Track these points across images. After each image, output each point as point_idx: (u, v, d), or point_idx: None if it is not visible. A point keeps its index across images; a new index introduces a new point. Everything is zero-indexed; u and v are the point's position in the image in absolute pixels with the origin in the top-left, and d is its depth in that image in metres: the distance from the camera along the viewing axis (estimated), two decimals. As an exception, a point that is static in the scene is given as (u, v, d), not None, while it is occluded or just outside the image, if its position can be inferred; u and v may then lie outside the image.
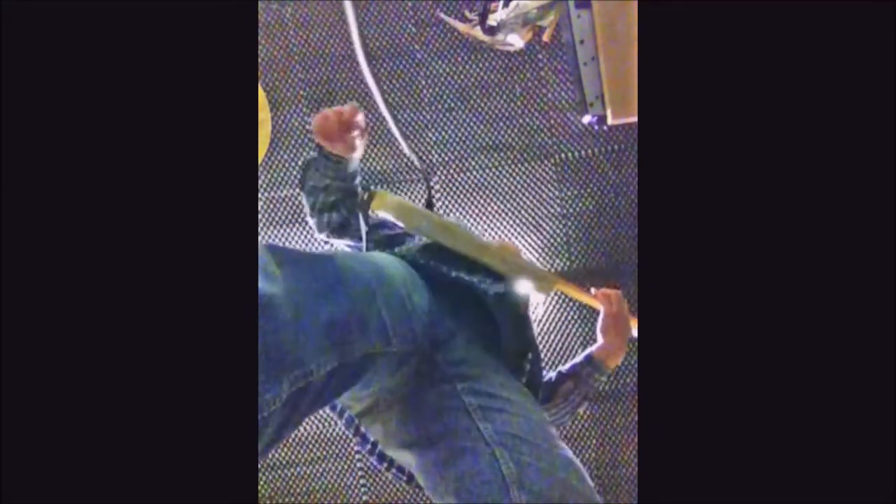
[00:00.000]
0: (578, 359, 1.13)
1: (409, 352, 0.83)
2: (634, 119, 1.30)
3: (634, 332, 1.14)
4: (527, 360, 0.97)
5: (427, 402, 0.85)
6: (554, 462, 0.80)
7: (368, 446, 0.95)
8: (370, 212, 1.01)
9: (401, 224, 0.98)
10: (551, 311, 1.82)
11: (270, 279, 0.65)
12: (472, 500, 0.77)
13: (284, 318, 0.62)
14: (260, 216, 1.86)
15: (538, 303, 1.78)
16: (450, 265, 0.95)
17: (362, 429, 0.94)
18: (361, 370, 0.75)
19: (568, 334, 1.83)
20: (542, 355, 1.25)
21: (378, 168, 1.84)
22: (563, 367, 1.14)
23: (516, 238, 1.84)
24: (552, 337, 1.82)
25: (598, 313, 1.15)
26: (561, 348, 1.82)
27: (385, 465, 0.95)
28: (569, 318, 1.82)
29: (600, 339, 1.12)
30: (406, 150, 1.12)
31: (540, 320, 1.81)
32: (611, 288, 1.17)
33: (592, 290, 1.14)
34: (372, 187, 1.01)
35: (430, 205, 1.09)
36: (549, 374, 1.14)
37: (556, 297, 1.81)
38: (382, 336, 0.77)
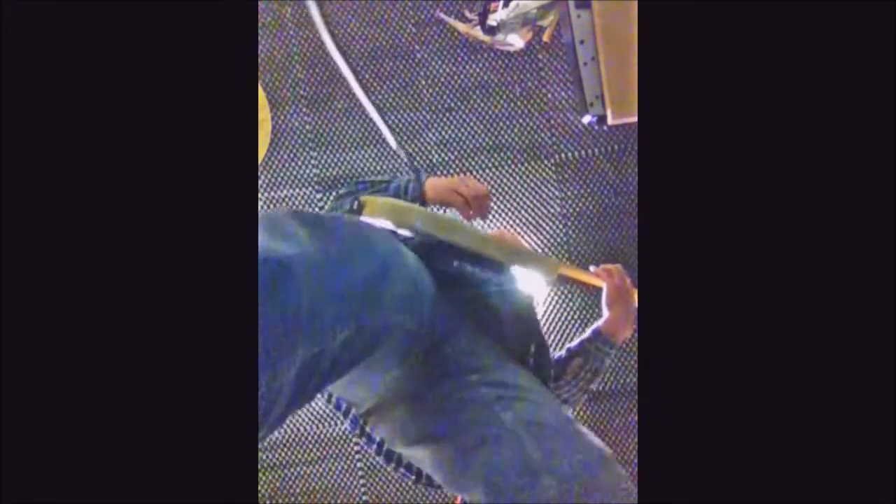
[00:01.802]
0: (586, 334, 1.13)
1: (417, 335, 0.82)
2: (634, 119, 1.30)
3: (636, 304, 1.14)
4: (530, 354, 0.97)
5: (437, 398, 0.84)
6: (579, 446, 0.80)
7: (375, 446, 0.95)
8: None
9: (397, 226, 0.97)
10: (551, 311, 1.82)
11: (294, 242, 0.64)
12: (501, 488, 0.75)
13: (304, 282, 0.62)
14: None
15: (538, 302, 1.78)
16: (452, 258, 0.95)
17: (367, 428, 0.94)
18: (374, 344, 0.75)
19: (567, 334, 1.83)
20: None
21: (369, 170, 1.84)
22: (571, 344, 1.14)
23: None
24: (551, 337, 1.82)
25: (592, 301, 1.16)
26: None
27: (392, 464, 0.95)
28: (568, 317, 1.82)
29: (606, 313, 1.13)
30: (394, 146, 1.12)
31: (540, 319, 1.81)
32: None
33: (592, 267, 1.15)
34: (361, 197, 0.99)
35: (424, 202, 1.08)
36: (559, 353, 1.14)
37: (555, 296, 1.81)
38: (396, 311, 0.77)
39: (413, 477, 0.94)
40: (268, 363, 0.57)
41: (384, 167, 1.84)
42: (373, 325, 0.72)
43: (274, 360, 0.58)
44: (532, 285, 1.08)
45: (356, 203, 0.97)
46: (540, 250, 1.83)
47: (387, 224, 0.96)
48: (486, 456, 0.78)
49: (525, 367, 0.95)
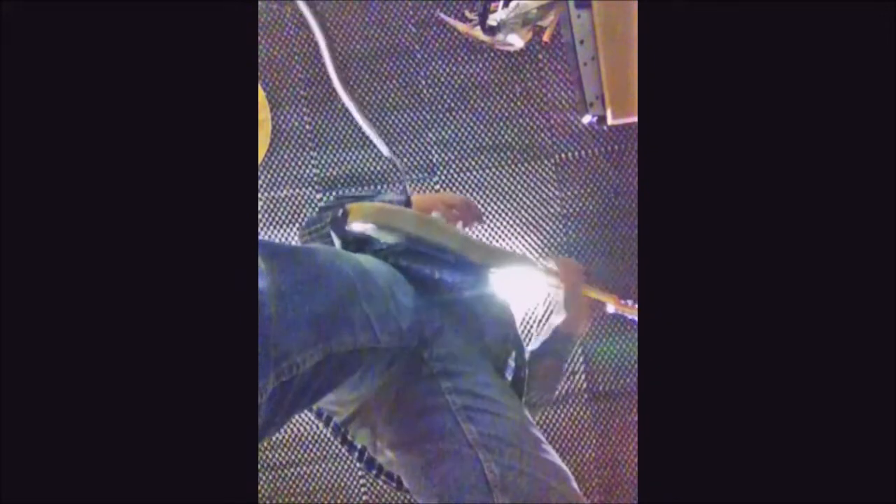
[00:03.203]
0: (546, 335, 1.11)
1: (399, 349, 0.82)
2: (634, 119, 1.30)
3: (609, 309, 1.12)
4: (511, 358, 0.98)
5: (413, 400, 0.84)
6: (538, 466, 0.81)
7: (356, 454, 0.95)
8: (347, 226, 0.99)
9: (383, 230, 0.96)
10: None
11: (258, 273, 0.65)
12: None
13: (269, 312, 0.63)
14: (260, 216, 1.86)
15: (538, 302, 1.78)
16: (432, 267, 0.95)
17: (349, 437, 0.94)
18: (351, 366, 0.75)
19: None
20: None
21: (369, 170, 1.83)
22: (532, 347, 1.11)
23: (516, 238, 1.84)
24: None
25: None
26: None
27: (374, 471, 0.95)
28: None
29: (563, 312, 1.10)
30: (387, 154, 1.12)
31: (540, 320, 1.81)
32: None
33: (551, 260, 1.13)
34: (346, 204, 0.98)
35: (408, 204, 1.09)
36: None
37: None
38: (368, 332, 0.76)
39: (395, 485, 0.94)
40: None
41: (384, 168, 1.84)
42: (342, 350, 0.72)
43: None
44: (520, 287, 1.09)
45: (341, 211, 0.97)
46: (540, 250, 1.83)
47: (372, 228, 0.96)
48: (444, 471, 0.79)
49: (500, 375, 0.95)
